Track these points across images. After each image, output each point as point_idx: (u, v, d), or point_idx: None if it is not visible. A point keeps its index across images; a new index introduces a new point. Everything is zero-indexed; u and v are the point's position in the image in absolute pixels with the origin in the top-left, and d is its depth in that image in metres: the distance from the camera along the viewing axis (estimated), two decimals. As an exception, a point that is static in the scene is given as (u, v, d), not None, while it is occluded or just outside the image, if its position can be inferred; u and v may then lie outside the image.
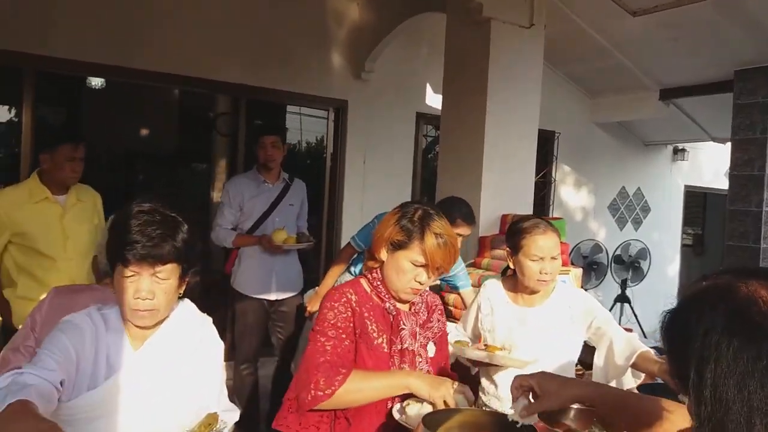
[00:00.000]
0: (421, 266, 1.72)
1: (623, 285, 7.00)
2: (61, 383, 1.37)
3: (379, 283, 1.79)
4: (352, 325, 1.70)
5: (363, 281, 1.83)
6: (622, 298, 6.97)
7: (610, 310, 5.26)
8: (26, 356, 1.75)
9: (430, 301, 1.93)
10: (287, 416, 1.73)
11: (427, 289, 1.89)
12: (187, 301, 1.65)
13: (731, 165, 5.48)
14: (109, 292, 1.55)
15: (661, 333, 0.91)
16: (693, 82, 5.85)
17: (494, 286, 2.39)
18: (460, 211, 3.19)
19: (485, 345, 2.20)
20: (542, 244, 2.18)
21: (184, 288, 1.57)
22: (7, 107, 5.06)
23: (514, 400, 1.39)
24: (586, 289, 4.18)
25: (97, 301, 1.61)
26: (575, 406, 1.32)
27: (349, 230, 3.57)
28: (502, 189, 4.10)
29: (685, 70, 5.70)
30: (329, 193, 5.68)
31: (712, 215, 9.96)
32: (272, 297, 3.82)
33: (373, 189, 5.55)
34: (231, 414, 1.65)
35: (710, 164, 8.33)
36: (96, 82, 5.67)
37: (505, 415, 1.44)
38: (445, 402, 1.60)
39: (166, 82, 5.02)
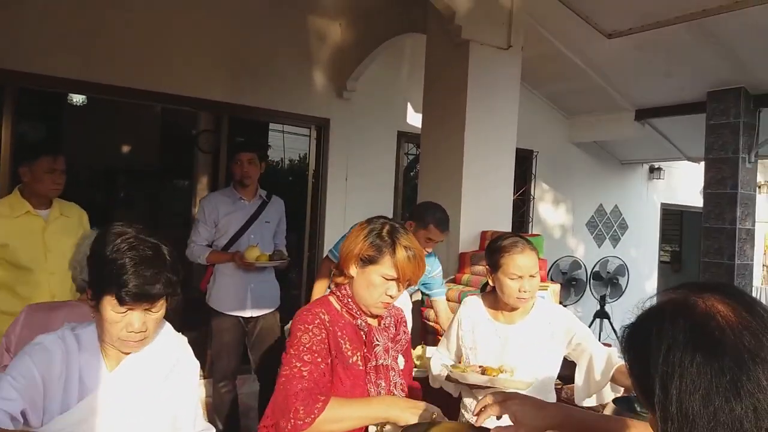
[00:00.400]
0: (392, 280, 1.75)
1: (602, 301, 7.07)
2: (23, 413, 1.35)
3: (349, 299, 1.80)
4: (326, 346, 1.69)
5: (332, 299, 1.84)
6: (601, 314, 7.03)
7: (590, 326, 5.32)
8: None
9: (395, 314, 1.97)
10: None
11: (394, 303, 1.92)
12: (163, 320, 1.64)
13: (705, 183, 5.60)
14: (88, 309, 1.52)
15: (622, 348, 0.91)
16: (667, 103, 5.98)
17: (474, 303, 2.41)
18: (434, 215, 3.23)
19: (480, 367, 2.20)
20: (521, 262, 2.20)
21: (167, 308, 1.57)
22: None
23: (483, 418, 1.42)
24: (565, 305, 4.23)
25: (74, 319, 1.58)
26: None
27: (331, 247, 3.59)
28: (481, 206, 4.16)
29: (660, 91, 5.84)
30: (311, 210, 5.70)
31: (689, 232, 10.13)
32: (248, 314, 3.78)
33: (355, 206, 5.57)
34: None
35: (685, 183, 8.47)
36: (78, 98, 5.66)
37: (482, 428, 1.47)
38: None
39: (149, 100, 5.02)
